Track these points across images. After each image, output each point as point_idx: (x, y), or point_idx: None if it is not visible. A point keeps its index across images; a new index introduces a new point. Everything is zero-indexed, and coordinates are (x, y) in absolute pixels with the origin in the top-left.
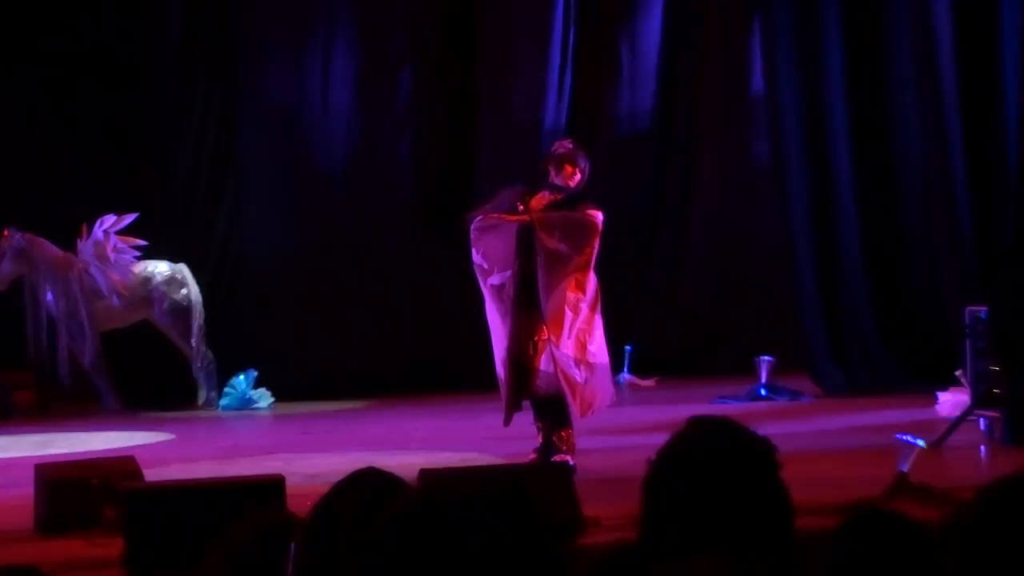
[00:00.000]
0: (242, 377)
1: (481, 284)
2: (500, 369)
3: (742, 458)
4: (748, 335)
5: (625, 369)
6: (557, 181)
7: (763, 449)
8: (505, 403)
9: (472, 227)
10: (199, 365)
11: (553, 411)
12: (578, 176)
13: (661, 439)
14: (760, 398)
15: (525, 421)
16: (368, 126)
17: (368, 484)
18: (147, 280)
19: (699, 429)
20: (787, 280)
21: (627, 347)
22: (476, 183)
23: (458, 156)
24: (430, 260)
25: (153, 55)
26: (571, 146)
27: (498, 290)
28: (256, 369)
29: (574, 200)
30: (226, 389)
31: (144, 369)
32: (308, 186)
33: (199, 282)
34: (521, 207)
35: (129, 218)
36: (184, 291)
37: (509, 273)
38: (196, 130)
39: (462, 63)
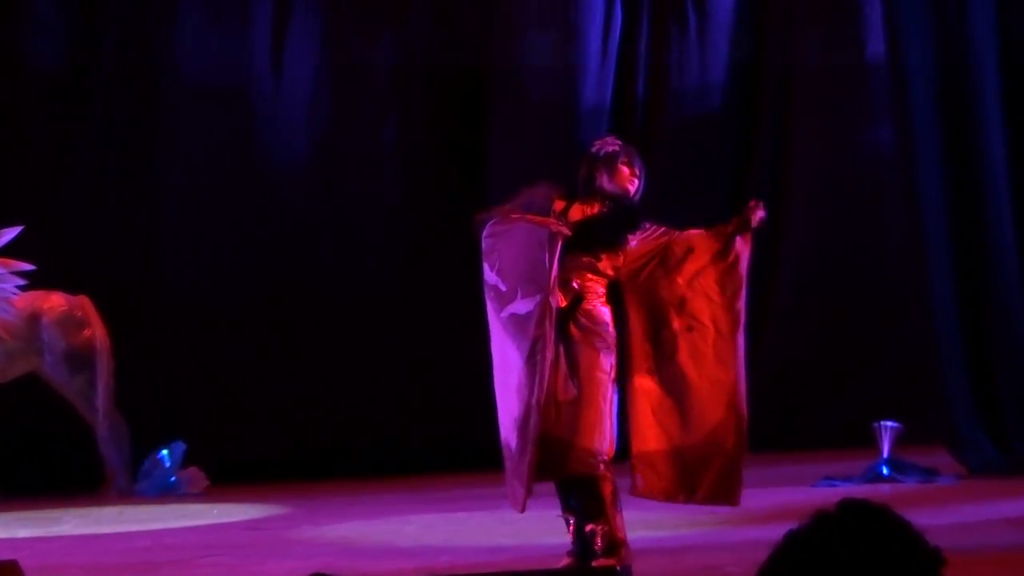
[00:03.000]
0: (166, 452)
1: (492, 314)
2: (509, 433)
3: (902, 569)
4: (863, 393)
5: None
6: (610, 187)
7: (932, 562)
8: (522, 481)
9: (485, 233)
10: (106, 435)
11: (581, 496)
12: (637, 182)
13: (739, 536)
14: (881, 479)
15: (546, 508)
16: (338, 106)
17: None
18: (35, 318)
19: (850, 517)
20: (917, 316)
21: None
22: (487, 181)
23: (462, 145)
24: (426, 288)
25: (38, 19)
26: (621, 143)
27: (520, 322)
28: (185, 441)
29: (634, 212)
30: (144, 468)
31: (31, 440)
32: (255, 189)
33: (107, 320)
34: (560, 206)
35: (10, 234)
36: (86, 333)
37: (539, 299)
38: (99, 117)
39: (464, 17)
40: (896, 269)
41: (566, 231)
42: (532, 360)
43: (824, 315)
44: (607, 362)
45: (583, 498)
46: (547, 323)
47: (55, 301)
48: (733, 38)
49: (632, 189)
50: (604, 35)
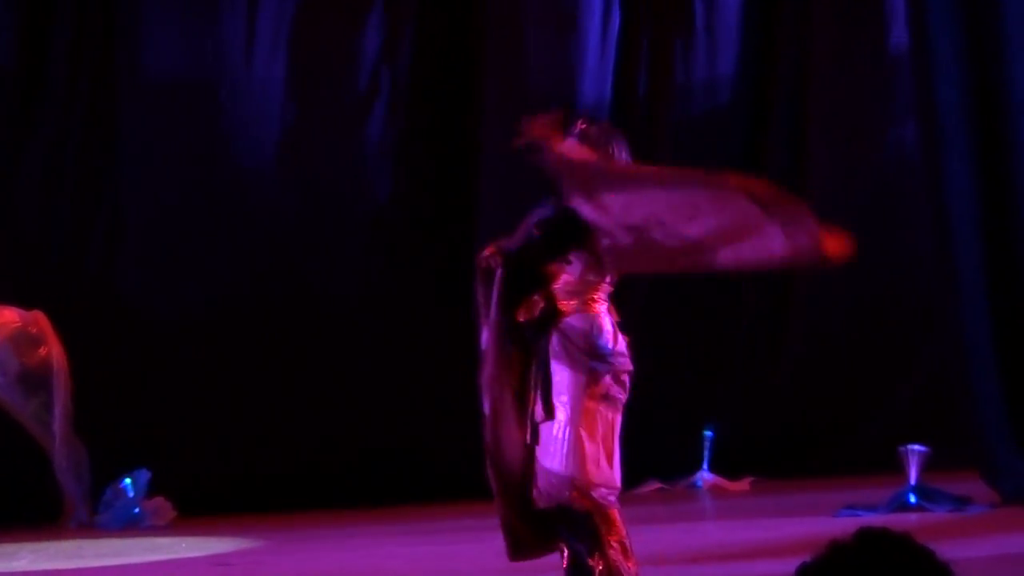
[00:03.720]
0: (129, 481)
1: None
2: (489, 472)
3: None
4: (888, 414)
5: (704, 465)
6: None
7: None
8: (500, 523)
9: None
10: (64, 462)
11: (571, 528)
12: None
13: (754, 569)
14: (908, 507)
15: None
16: (316, 104)
17: None
18: None
19: (869, 547)
20: (946, 330)
21: (707, 432)
22: (479, 182)
23: (452, 144)
24: (411, 300)
25: None
26: (584, 127)
27: (482, 356)
28: (150, 469)
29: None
30: (105, 498)
31: None
32: (226, 193)
33: (65, 337)
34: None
35: None
36: (41, 351)
37: (485, 332)
38: (55, 117)
39: (453, 6)
40: (923, 279)
41: (492, 261)
42: (481, 398)
43: (845, 330)
44: (579, 380)
45: (573, 529)
46: (492, 358)
47: (7, 317)
48: (743, 27)
49: None
50: (603, 25)
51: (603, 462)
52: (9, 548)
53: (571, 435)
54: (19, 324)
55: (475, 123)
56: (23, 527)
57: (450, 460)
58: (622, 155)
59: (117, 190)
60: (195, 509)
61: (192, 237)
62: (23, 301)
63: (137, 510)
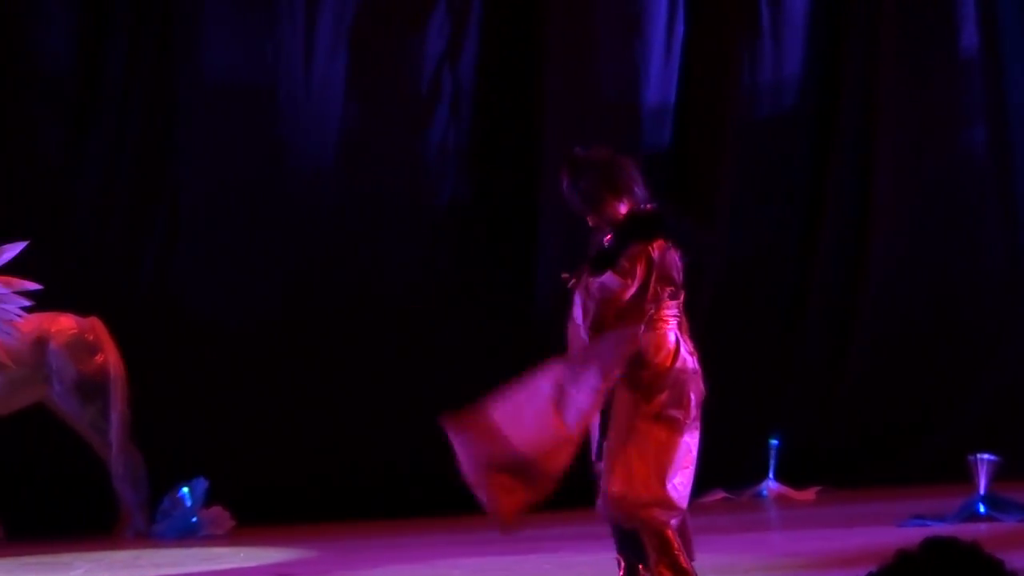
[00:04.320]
0: (187, 490)
1: None
2: None
3: None
4: (956, 423)
5: (770, 474)
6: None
7: None
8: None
9: None
10: (121, 471)
11: (625, 539)
12: (585, 205)
13: None
14: (978, 517)
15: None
16: (377, 106)
17: None
18: (41, 343)
19: (935, 557)
20: (1017, 336)
21: (773, 441)
22: (542, 186)
23: (515, 147)
24: (473, 306)
25: (45, 13)
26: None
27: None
28: (207, 478)
29: (627, 234)
30: (162, 507)
31: (37, 477)
32: (284, 199)
33: (121, 344)
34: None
35: (13, 250)
36: (97, 359)
37: None
38: (112, 121)
39: (518, 8)
40: (994, 284)
41: (570, 285)
42: None
43: (913, 337)
44: (630, 399)
45: (627, 541)
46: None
47: (64, 324)
48: (810, 29)
49: (593, 221)
50: (668, 27)
51: (653, 482)
52: (65, 558)
53: (621, 454)
54: (75, 331)
55: (539, 126)
56: (79, 536)
57: None
58: (626, 191)
59: (174, 194)
60: (254, 518)
61: (250, 242)
62: (79, 307)
63: (195, 519)
